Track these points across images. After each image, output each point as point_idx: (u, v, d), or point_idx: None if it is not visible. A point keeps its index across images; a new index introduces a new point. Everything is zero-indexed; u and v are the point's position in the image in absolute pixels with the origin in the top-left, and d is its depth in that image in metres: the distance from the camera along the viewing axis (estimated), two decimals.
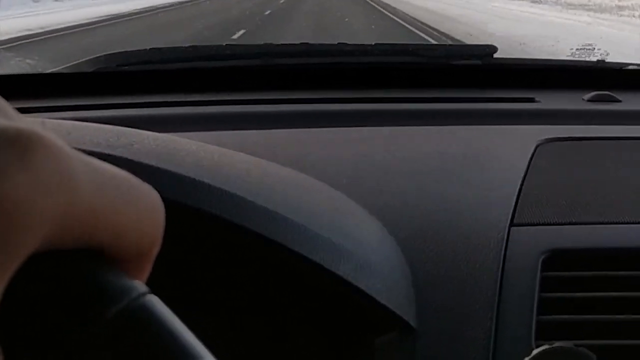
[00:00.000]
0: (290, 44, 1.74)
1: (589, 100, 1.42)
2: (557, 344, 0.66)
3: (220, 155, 0.77)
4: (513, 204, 0.87)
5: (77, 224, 0.27)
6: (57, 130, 0.67)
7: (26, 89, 1.44)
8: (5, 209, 0.25)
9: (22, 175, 0.26)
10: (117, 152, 0.65)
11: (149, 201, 0.31)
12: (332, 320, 0.73)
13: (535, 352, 0.67)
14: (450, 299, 0.74)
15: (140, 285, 0.29)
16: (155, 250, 0.32)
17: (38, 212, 0.26)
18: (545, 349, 0.66)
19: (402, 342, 0.72)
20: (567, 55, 1.92)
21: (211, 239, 0.66)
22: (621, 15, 14.59)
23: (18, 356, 0.27)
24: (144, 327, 0.28)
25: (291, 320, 0.73)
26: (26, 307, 0.27)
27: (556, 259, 0.79)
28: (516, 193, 0.90)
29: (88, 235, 0.28)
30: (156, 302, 0.29)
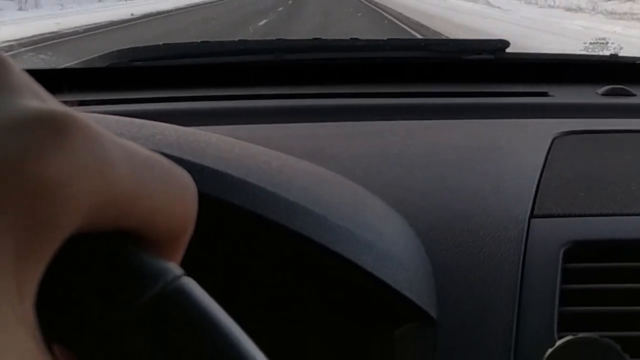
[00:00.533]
0: (303, 40, 1.74)
1: (603, 94, 1.41)
2: (581, 334, 0.66)
3: (240, 148, 0.77)
4: (532, 196, 0.87)
5: (112, 205, 0.27)
6: None
7: (40, 84, 1.44)
8: (44, 190, 0.25)
9: (59, 156, 0.25)
10: (140, 143, 0.65)
11: (182, 183, 0.31)
12: (353, 311, 0.73)
13: (559, 342, 0.67)
14: (470, 290, 0.74)
15: (175, 268, 0.29)
16: (189, 231, 0.32)
17: (75, 194, 0.26)
18: (570, 339, 0.66)
19: (423, 332, 0.72)
20: (581, 50, 1.91)
21: (233, 230, 0.66)
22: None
23: (54, 339, 0.27)
24: (180, 310, 0.28)
25: (311, 311, 0.73)
26: (62, 290, 0.27)
27: (577, 250, 0.78)
28: (535, 185, 0.90)
29: (123, 217, 0.28)
30: (192, 285, 0.29)
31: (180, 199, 0.31)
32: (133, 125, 0.70)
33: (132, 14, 18.12)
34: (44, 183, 0.25)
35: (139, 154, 0.29)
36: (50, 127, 0.26)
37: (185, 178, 0.32)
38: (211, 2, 27.23)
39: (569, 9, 18.96)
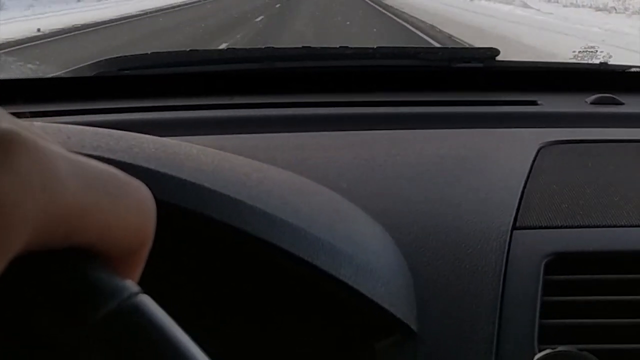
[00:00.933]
0: (291, 48, 1.74)
1: (592, 103, 1.41)
2: (559, 348, 0.66)
3: (220, 159, 0.76)
4: (515, 207, 0.87)
5: (63, 223, 0.27)
6: (57, 134, 0.67)
7: (28, 94, 1.43)
8: None
9: (4, 176, 0.25)
10: (117, 156, 0.65)
11: (138, 197, 0.31)
12: (333, 324, 0.73)
13: (537, 356, 0.66)
14: (452, 303, 0.74)
15: (131, 285, 0.29)
16: (147, 248, 0.31)
17: (22, 213, 0.25)
18: (548, 353, 0.66)
19: (404, 346, 0.72)
20: (570, 58, 1.92)
21: (211, 243, 0.66)
22: None
23: (8, 357, 0.27)
24: (135, 328, 0.28)
25: (291, 325, 0.73)
26: (15, 308, 0.27)
27: (559, 262, 0.78)
28: (518, 196, 0.90)
29: (76, 234, 0.28)
30: (148, 302, 0.29)
31: (137, 214, 0.30)
32: (111, 137, 0.70)
33: (38, 29, 14.57)
34: None
35: (91, 168, 0.29)
36: None
37: (142, 192, 0.31)
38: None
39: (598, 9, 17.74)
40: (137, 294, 0.29)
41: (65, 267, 0.28)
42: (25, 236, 0.26)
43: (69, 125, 0.72)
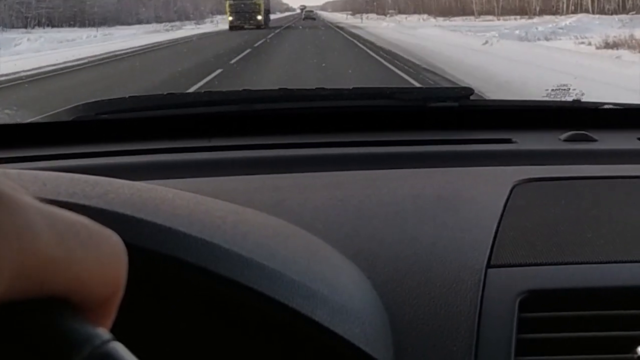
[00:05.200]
0: (267, 90, 1.75)
1: (565, 140, 1.43)
2: None
3: (196, 203, 0.77)
4: (489, 245, 0.88)
5: (35, 273, 0.27)
6: (33, 181, 0.67)
7: (4, 139, 1.44)
8: None
9: None
10: (93, 203, 0.65)
11: (110, 246, 0.31)
12: None
13: None
14: (427, 342, 0.74)
15: (103, 333, 0.29)
16: (119, 296, 0.32)
17: None
18: None
19: None
20: (543, 96, 1.94)
21: (186, 287, 0.66)
22: None
23: None
24: None
25: None
26: None
27: (533, 299, 0.79)
28: (492, 234, 0.90)
29: (48, 283, 0.28)
30: (120, 349, 0.29)
31: (108, 263, 0.31)
32: (87, 183, 0.70)
33: None
34: None
35: (63, 220, 0.29)
36: None
37: (113, 241, 0.32)
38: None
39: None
40: (109, 341, 0.29)
41: (37, 316, 0.28)
42: (0, 286, 0.26)
43: (45, 172, 0.72)
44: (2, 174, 0.29)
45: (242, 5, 43.03)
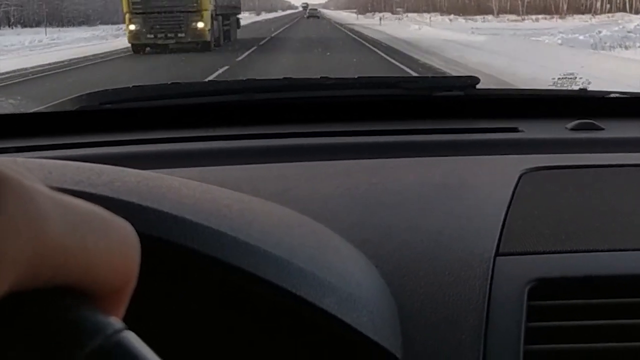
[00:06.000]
0: (272, 79, 1.75)
1: (571, 129, 1.43)
2: None
3: (202, 192, 0.76)
4: (498, 233, 0.87)
5: (48, 262, 0.27)
6: (39, 170, 0.66)
7: (10, 129, 1.43)
8: None
9: None
10: (99, 191, 0.65)
11: (122, 235, 0.31)
12: (318, 355, 0.73)
13: None
14: (436, 331, 0.74)
15: (115, 322, 0.29)
16: (131, 285, 0.31)
17: (7, 255, 0.25)
18: None
19: None
20: (549, 85, 1.93)
21: (193, 275, 0.66)
22: None
23: None
24: None
25: (276, 357, 0.72)
26: (1, 347, 0.27)
27: (542, 288, 0.78)
28: (501, 223, 0.90)
29: (61, 272, 0.28)
30: (132, 339, 0.29)
31: (121, 252, 0.31)
32: (92, 171, 0.70)
33: None
34: None
35: (75, 208, 0.29)
36: None
37: (126, 230, 0.31)
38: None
39: None
40: (121, 330, 0.29)
41: (50, 305, 0.28)
42: (10, 277, 0.26)
43: (51, 161, 0.72)
44: (12, 162, 0.29)
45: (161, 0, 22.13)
